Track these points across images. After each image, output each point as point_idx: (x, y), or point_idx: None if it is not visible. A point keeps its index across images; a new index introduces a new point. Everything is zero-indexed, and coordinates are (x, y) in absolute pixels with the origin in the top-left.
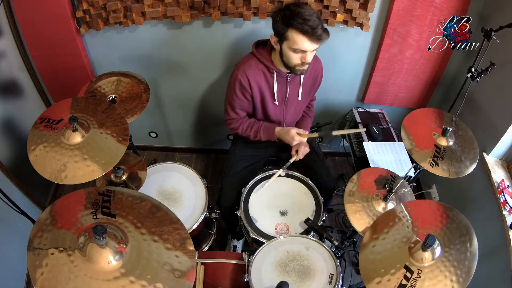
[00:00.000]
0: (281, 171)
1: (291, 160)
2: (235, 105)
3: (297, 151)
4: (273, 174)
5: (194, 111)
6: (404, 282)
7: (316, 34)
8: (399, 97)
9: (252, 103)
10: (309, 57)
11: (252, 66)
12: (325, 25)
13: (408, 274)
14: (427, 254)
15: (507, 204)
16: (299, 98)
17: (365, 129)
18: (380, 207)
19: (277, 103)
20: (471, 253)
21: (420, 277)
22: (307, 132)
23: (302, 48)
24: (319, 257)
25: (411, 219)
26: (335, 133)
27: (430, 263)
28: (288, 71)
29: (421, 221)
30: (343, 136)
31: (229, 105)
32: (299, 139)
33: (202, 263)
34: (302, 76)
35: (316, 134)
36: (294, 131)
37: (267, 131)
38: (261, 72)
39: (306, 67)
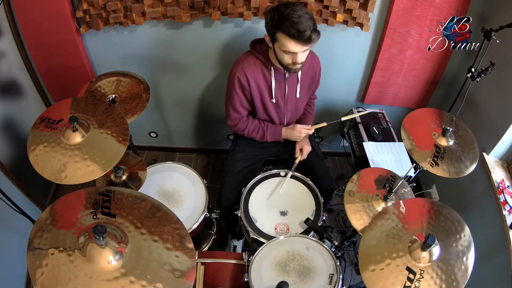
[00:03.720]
0: (290, 173)
1: (297, 161)
2: (235, 103)
3: (301, 150)
4: (274, 175)
5: (194, 111)
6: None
7: (303, 37)
8: (399, 97)
9: (251, 101)
10: (300, 58)
11: (250, 64)
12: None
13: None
14: (424, 254)
15: (507, 204)
16: (298, 95)
17: (371, 110)
18: (380, 207)
19: (274, 100)
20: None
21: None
22: (311, 127)
23: (291, 50)
24: (319, 257)
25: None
26: (344, 118)
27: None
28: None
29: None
30: (343, 132)
31: (230, 104)
32: (306, 132)
33: (202, 263)
34: (299, 73)
35: (324, 124)
36: (299, 125)
37: (274, 133)
38: (259, 69)
39: (298, 66)
